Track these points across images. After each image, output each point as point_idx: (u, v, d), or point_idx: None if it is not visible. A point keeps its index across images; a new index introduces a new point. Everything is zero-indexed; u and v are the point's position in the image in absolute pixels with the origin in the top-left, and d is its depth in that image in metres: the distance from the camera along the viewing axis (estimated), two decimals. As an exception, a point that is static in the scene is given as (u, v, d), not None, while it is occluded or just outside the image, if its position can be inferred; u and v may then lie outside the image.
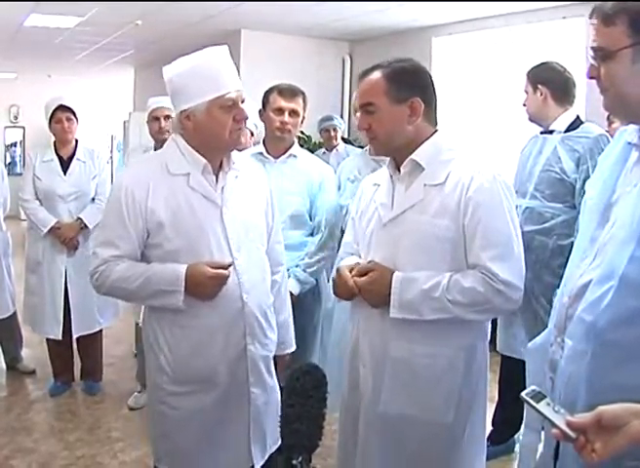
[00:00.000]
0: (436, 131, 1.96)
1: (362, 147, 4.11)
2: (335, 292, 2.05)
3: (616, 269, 1.31)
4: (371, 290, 1.90)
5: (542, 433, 1.53)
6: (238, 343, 2.12)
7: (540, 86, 3.07)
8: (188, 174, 2.07)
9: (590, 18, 1.39)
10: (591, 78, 1.40)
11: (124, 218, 2.04)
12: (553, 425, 1.21)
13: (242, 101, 2.08)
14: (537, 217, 3.05)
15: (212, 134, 2.05)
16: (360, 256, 2.05)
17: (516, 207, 3.03)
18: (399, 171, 1.96)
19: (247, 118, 2.10)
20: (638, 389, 1.25)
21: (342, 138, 6.15)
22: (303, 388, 1.46)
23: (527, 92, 3.13)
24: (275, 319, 2.29)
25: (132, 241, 2.06)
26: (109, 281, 2.06)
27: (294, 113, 2.96)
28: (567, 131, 3.05)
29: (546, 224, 3.02)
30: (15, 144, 13.30)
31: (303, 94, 3.05)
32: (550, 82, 3.07)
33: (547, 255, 2.99)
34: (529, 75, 3.13)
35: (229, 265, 2.04)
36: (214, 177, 2.11)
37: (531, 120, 3.19)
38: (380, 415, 1.91)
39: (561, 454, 1.42)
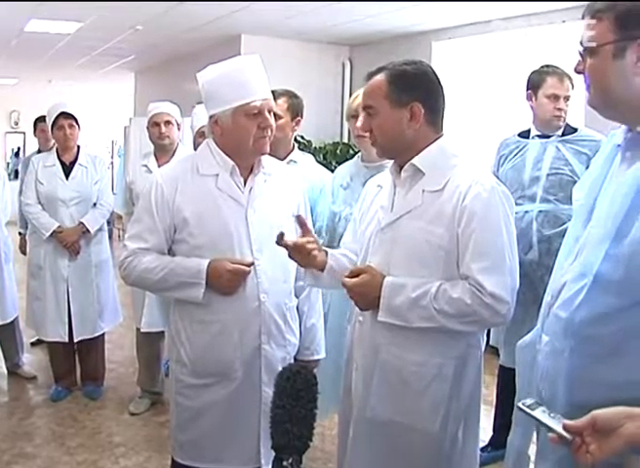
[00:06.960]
0: (440, 136, 1.91)
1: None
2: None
3: (591, 267, 1.33)
4: (360, 292, 1.87)
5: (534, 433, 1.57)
6: (253, 341, 2.16)
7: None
8: (217, 175, 2.15)
9: (583, 16, 1.42)
10: (578, 73, 1.43)
11: (153, 213, 2.14)
12: (550, 430, 1.24)
13: (269, 110, 2.13)
14: (553, 221, 3.07)
15: (237, 139, 2.12)
16: (357, 255, 2.05)
17: (527, 212, 3.08)
18: (401, 175, 1.94)
19: (272, 126, 2.15)
20: (616, 384, 1.28)
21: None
22: (294, 389, 1.47)
23: (569, 96, 3.14)
24: (303, 323, 2.33)
25: (159, 235, 2.15)
26: (136, 271, 2.16)
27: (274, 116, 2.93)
28: (562, 135, 3.14)
29: (565, 226, 3.01)
30: (17, 150, 13.30)
31: (291, 95, 3.04)
32: None
33: None
34: (570, 78, 3.12)
35: (250, 264, 2.10)
36: (242, 180, 2.18)
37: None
38: (369, 420, 1.90)
39: (540, 443, 1.44)
